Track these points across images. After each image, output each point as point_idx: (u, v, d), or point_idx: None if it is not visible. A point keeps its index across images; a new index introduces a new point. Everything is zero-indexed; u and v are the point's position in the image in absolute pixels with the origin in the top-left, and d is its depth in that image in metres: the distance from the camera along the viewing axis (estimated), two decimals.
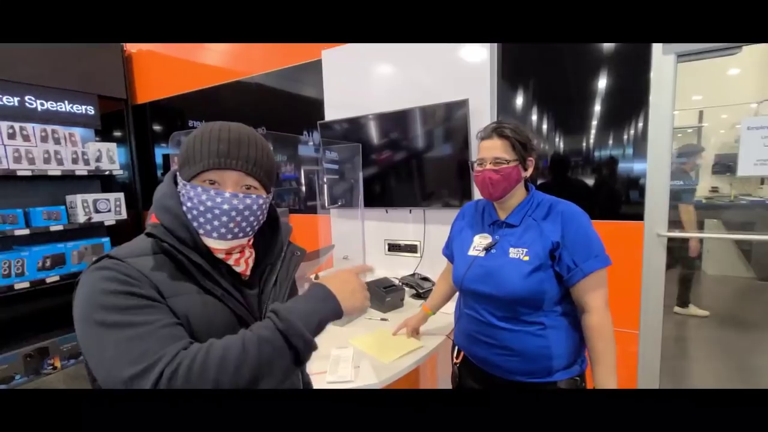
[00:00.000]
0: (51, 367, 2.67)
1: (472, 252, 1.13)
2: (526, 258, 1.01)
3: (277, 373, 0.56)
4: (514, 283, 1.01)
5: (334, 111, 2.40)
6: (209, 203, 0.62)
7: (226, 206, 0.63)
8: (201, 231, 0.64)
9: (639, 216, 1.72)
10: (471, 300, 1.13)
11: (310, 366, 1.16)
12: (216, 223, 0.63)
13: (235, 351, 0.53)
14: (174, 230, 0.63)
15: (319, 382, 1.07)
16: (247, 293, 0.68)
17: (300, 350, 0.57)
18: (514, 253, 1.04)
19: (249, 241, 0.71)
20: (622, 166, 1.75)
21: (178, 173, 0.67)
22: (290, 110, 2.71)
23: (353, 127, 2.29)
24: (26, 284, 2.55)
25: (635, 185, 1.73)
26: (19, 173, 2.55)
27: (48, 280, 2.63)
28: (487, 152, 1.07)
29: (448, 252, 1.32)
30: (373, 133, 2.23)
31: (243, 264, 0.69)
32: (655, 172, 1.69)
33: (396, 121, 2.14)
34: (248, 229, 0.67)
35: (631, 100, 1.71)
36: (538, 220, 1.05)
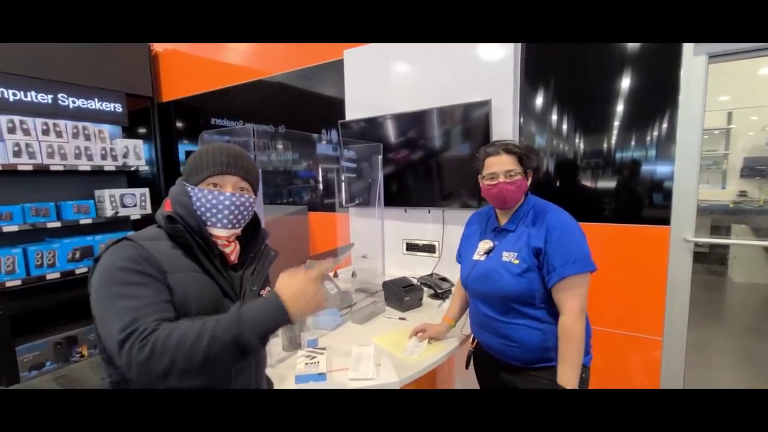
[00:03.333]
0: (79, 355, 2.78)
1: (475, 256, 1.25)
2: (517, 261, 1.13)
3: (224, 361, 0.67)
4: (507, 283, 1.13)
5: (354, 110, 2.42)
6: (214, 201, 0.81)
7: (228, 202, 0.82)
8: (209, 223, 0.82)
9: (665, 220, 1.69)
10: (475, 297, 1.26)
11: (331, 363, 1.19)
12: (220, 216, 0.82)
13: (191, 340, 0.65)
14: (186, 219, 0.80)
15: (341, 379, 1.09)
16: (232, 275, 0.85)
17: (246, 351, 0.68)
18: (506, 256, 1.16)
19: (236, 234, 0.89)
20: (649, 168, 1.72)
21: (184, 181, 0.84)
22: (310, 109, 2.74)
23: (373, 127, 2.30)
24: (57, 275, 2.66)
25: (661, 189, 1.70)
26: (52, 168, 2.65)
27: (77, 272, 2.73)
28: (499, 167, 1.17)
29: (461, 258, 1.42)
30: (393, 132, 2.24)
31: (232, 252, 0.87)
32: (683, 175, 1.65)
33: (416, 121, 2.14)
34: (242, 221, 0.86)
35: (658, 101, 1.67)
36: (529, 226, 1.16)
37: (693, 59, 1.59)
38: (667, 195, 1.68)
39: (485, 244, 1.24)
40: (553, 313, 1.12)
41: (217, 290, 0.80)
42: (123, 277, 0.70)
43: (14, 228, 2.49)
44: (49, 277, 2.63)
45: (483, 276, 1.19)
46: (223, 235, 0.83)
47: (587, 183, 1.85)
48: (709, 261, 4.48)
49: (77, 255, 2.74)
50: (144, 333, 0.64)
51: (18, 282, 2.49)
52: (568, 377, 1.06)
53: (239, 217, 0.85)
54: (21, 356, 2.51)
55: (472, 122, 1.97)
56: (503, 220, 1.24)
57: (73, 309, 2.77)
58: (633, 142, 1.74)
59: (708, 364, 2.51)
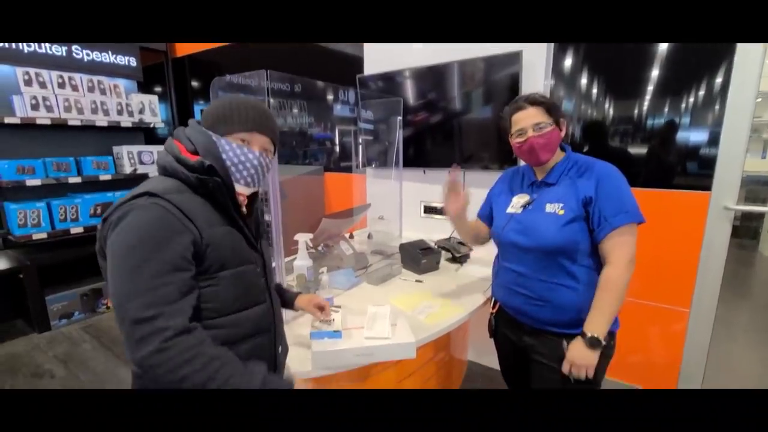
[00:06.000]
0: (105, 306, 2.90)
1: (509, 210, 1.18)
2: (562, 212, 1.05)
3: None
4: (551, 234, 1.05)
5: (373, 66, 2.30)
6: (243, 157, 0.78)
7: (255, 162, 0.79)
8: (232, 178, 0.78)
9: (705, 186, 1.57)
10: (509, 253, 1.18)
11: (346, 321, 1.17)
12: (246, 173, 0.79)
13: (205, 377, 0.63)
14: (219, 171, 0.75)
15: (356, 337, 1.08)
16: (247, 221, 0.84)
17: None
18: (550, 208, 1.08)
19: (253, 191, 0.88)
20: (692, 131, 1.58)
21: (205, 127, 0.79)
22: (327, 66, 2.62)
23: (393, 86, 2.18)
24: (80, 229, 2.73)
25: (704, 153, 1.57)
26: (70, 122, 2.65)
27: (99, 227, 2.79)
28: (526, 121, 1.09)
29: (483, 212, 1.33)
30: (414, 92, 2.12)
31: (244, 203, 0.86)
32: (730, 139, 1.51)
33: (438, 78, 2.01)
34: (261, 182, 0.85)
35: (708, 60, 1.50)
36: (574, 178, 1.08)
37: None
38: (710, 160, 1.55)
39: (521, 198, 1.16)
40: (592, 273, 1.05)
41: (245, 243, 0.80)
42: (151, 250, 0.63)
43: (37, 182, 2.54)
44: (73, 231, 2.70)
45: (524, 229, 1.11)
46: (244, 192, 0.82)
47: (624, 145, 1.72)
48: (740, 234, 4.28)
49: (98, 211, 2.79)
50: (166, 336, 0.61)
51: (44, 235, 2.57)
52: (596, 323, 0.99)
53: (261, 177, 0.83)
54: (51, 305, 2.63)
55: (499, 78, 1.83)
56: (541, 175, 1.16)
57: (96, 263, 2.85)
58: (676, 105, 1.59)
59: (733, 339, 2.43)
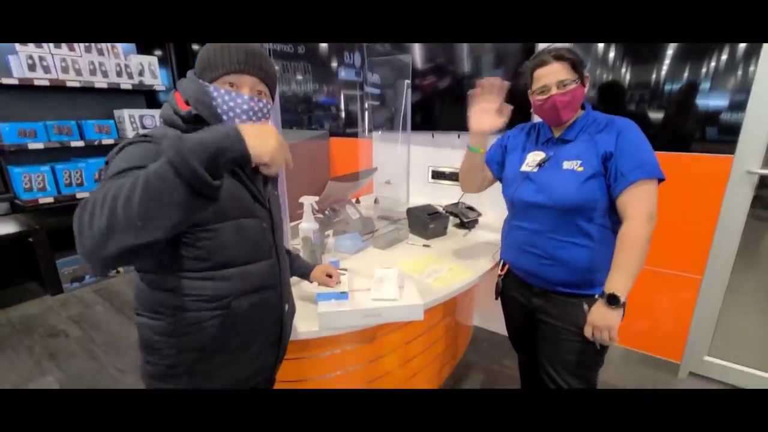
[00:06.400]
0: (115, 270, 2.94)
1: (524, 168, 1.13)
2: (581, 169, 1.01)
3: (171, 205, 0.52)
4: (570, 192, 1.01)
5: None
6: (231, 103, 0.73)
7: (246, 106, 0.74)
8: None
9: (728, 150, 1.50)
10: (522, 212, 1.14)
11: (353, 283, 1.16)
12: (237, 120, 0.74)
13: (126, 187, 0.52)
14: (210, 121, 0.73)
15: (363, 299, 1.06)
16: (254, 178, 0.80)
17: (190, 183, 0.52)
18: (568, 165, 1.04)
19: None
20: (717, 92, 1.48)
21: (198, 77, 0.76)
22: None
23: (400, 47, 2.08)
24: (86, 194, 2.71)
25: (730, 117, 1.48)
26: (69, 84, 2.58)
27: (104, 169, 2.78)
28: (550, 78, 1.02)
29: (493, 157, 1.25)
30: (422, 52, 2.02)
31: None
32: (760, 99, 1.42)
33: None
34: None
35: None
36: (593, 134, 1.03)
37: None
38: (735, 123, 1.47)
39: (536, 155, 1.11)
40: (607, 232, 1.02)
41: (248, 194, 0.77)
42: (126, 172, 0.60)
43: (40, 146, 2.51)
44: (79, 195, 2.69)
45: (538, 188, 1.07)
46: None
47: (643, 109, 1.64)
48: (755, 205, 4.20)
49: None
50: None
51: (50, 199, 2.57)
52: (613, 280, 0.95)
53: (257, 123, 0.77)
54: (62, 269, 2.67)
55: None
56: (558, 132, 1.11)
57: None
58: (699, 68, 1.49)
59: (742, 310, 2.42)
